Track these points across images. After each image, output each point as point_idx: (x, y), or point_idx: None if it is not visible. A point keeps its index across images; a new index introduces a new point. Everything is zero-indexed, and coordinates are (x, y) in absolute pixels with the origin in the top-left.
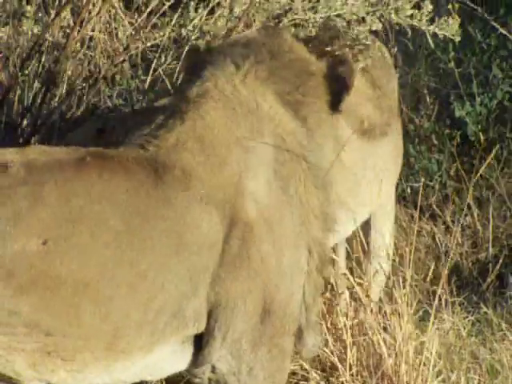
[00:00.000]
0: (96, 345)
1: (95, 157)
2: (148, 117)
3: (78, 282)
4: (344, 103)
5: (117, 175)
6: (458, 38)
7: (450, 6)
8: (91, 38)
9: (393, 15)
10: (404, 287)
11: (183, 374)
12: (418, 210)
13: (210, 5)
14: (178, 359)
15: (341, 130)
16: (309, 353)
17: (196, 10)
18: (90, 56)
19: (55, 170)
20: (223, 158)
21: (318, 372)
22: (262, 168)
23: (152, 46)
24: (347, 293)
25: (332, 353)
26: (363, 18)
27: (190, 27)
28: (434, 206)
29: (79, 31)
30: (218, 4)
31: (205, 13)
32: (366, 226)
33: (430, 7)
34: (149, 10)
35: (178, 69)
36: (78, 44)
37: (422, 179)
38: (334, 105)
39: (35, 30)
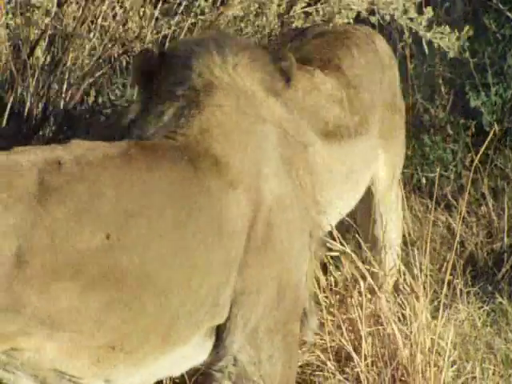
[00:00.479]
0: (155, 337)
1: (138, 149)
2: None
3: (141, 274)
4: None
5: (162, 166)
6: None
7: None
8: (102, 27)
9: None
10: (419, 277)
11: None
12: (433, 201)
13: None
14: (201, 351)
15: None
16: (312, 336)
17: None
18: (102, 44)
19: (107, 164)
20: (245, 144)
21: (333, 363)
22: (271, 152)
23: (165, 35)
24: (362, 283)
25: (347, 343)
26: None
27: (200, 16)
28: (449, 197)
29: (86, 18)
30: None
31: None
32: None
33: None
34: None
35: None
36: (86, 31)
37: (438, 169)
38: None
39: (46, 21)
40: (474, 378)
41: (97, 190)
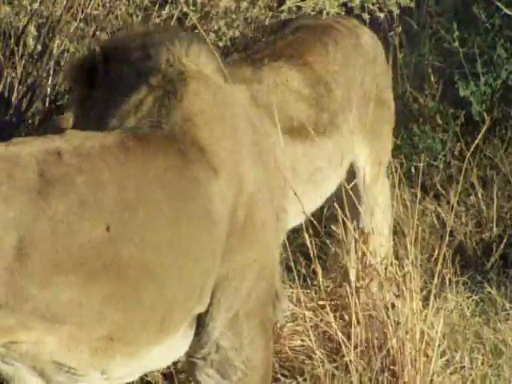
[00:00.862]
0: (151, 326)
1: (133, 140)
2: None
3: (139, 265)
4: None
5: (156, 157)
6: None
7: None
8: (91, 15)
9: None
10: (409, 267)
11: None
12: (422, 190)
13: None
14: (184, 342)
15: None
16: (283, 318)
17: None
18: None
19: (105, 155)
20: (224, 130)
21: (322, 350)
22: (245, 137)
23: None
24: (352, 271)
25: (336, 332)
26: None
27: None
28: (438, 186)
29: (73, 5)
30: None
31: None
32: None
33: None
34: None
35: None
36: (73, 18)
37: (427, 159)
38: None
39: (34, 6)
40: (463, 367)
41: (96, 181)
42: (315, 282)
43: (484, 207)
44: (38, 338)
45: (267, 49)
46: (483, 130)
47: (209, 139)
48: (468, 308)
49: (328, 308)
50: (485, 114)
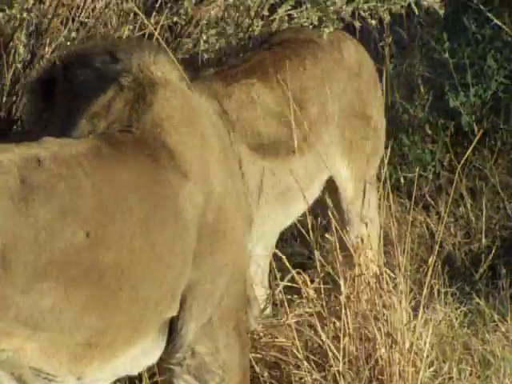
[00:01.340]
0: (126, 331)
1: (105, 145)
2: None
3: (117, 270)
4: None
5: (128, 162)
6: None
7: None
8: (82, 23)
9: None
10: (398, 277)
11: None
12: (411, 201)
13: None
14: (156, 347)
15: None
16: (255, 323)
17: None
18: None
19: (81, 162)
20: (192, 134)
21: (311, 360)
22: (213, 141)
23: (145, 34)
24: (342, 282)
25: (324, 343)
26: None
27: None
28: (428, 197)
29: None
30: None
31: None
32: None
33: None
34: None
35: None
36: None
37: (416, 169)
38: None
39: (24, 15)
40: (451, 378)
41: (75, 188)
42: (303, 292)
43: (473, 218)
44: (19, 346)
45: (243, 64)
46: (474, 141)
47: (178, 144)
48: (456, 319)
49: (316, 318)
50: (474, 125)
